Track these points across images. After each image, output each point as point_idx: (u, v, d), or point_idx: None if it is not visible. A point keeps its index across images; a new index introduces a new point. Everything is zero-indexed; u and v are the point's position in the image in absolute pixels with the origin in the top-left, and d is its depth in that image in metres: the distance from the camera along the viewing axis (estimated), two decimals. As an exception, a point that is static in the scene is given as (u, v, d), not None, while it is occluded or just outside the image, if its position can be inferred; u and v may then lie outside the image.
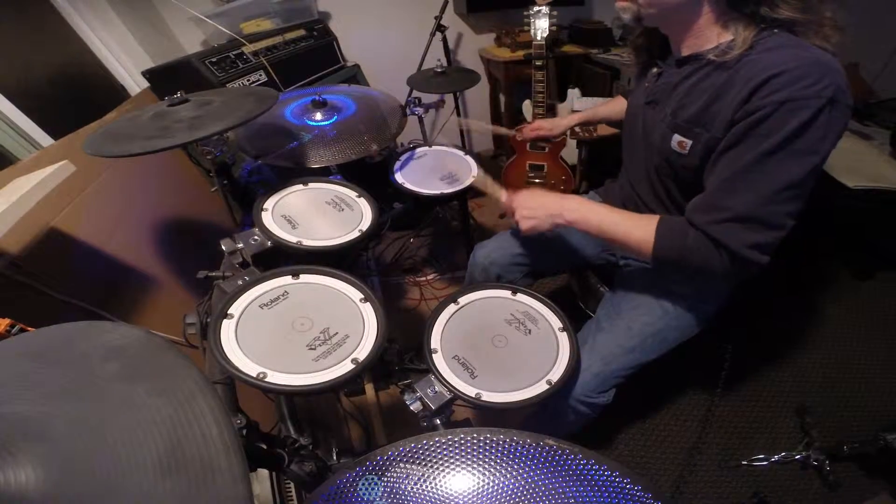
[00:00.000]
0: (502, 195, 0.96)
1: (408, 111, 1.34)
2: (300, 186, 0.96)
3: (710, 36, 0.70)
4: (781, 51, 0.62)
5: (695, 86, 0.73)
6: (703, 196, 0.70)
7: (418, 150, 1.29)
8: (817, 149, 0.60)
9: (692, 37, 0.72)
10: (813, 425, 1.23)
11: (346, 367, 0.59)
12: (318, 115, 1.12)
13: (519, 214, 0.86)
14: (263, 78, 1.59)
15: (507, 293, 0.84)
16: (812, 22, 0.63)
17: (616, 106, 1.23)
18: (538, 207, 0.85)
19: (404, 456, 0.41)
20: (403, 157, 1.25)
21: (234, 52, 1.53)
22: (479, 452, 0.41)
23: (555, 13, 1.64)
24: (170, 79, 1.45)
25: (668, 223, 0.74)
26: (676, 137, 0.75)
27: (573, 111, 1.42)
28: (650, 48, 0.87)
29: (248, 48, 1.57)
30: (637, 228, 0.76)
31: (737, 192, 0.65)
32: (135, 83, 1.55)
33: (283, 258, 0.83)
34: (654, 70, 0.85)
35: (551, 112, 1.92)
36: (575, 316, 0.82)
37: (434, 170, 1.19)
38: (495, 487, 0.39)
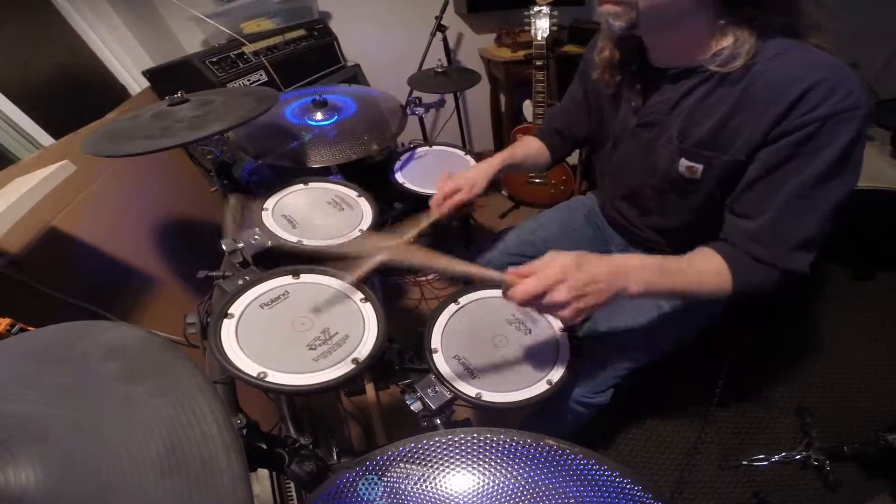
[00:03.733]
0: (506, 277, 0.60)
1: (408, 111, 1.34)
2: (300, 186, 0.96)
3: (705, 43, 0.65)
4: (791, 57, 0.59)
5: (700, 103, 0.68)
6: (757, 227, 0.64)
7: (418, 150, 1.29)
8: (861, 158, 0.59)
9: (685, 45, 0.67)
10: (813, 425, 1.23)
11: (346, 367, 0.59)
12: (319, 115, 1.12)
13: (570, 310, 0.57)
14: (264, 78, 1.59)
15: (507, 293, 0.84)
16: (811, 25, 0.61)
17: (532, 147, 1.05)
18: (597, 292, 0.58)
19: (404, 456, 0.41)
20: (403, 157, 1.25)
21: (234, 52, 1.53)
22: (479, 452, 0.41)
23: (555, 13, 1.64)
24: (170, 78, 1.45)
25: (736, 263, 0.66)
26: (684, 162, 0.71)
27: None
28: (626, 63, 0.78)
29: (249, 48, 1.57)
30: (708, 275, 0.67)
31: (796, 219, 0.62)
32: (135, 83, 1.55)
33: (283, 258, 0.83)
34: (638, 87, 0.78)
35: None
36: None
37: (434, 170, 1.19)
38: (495, 487, 0.39)
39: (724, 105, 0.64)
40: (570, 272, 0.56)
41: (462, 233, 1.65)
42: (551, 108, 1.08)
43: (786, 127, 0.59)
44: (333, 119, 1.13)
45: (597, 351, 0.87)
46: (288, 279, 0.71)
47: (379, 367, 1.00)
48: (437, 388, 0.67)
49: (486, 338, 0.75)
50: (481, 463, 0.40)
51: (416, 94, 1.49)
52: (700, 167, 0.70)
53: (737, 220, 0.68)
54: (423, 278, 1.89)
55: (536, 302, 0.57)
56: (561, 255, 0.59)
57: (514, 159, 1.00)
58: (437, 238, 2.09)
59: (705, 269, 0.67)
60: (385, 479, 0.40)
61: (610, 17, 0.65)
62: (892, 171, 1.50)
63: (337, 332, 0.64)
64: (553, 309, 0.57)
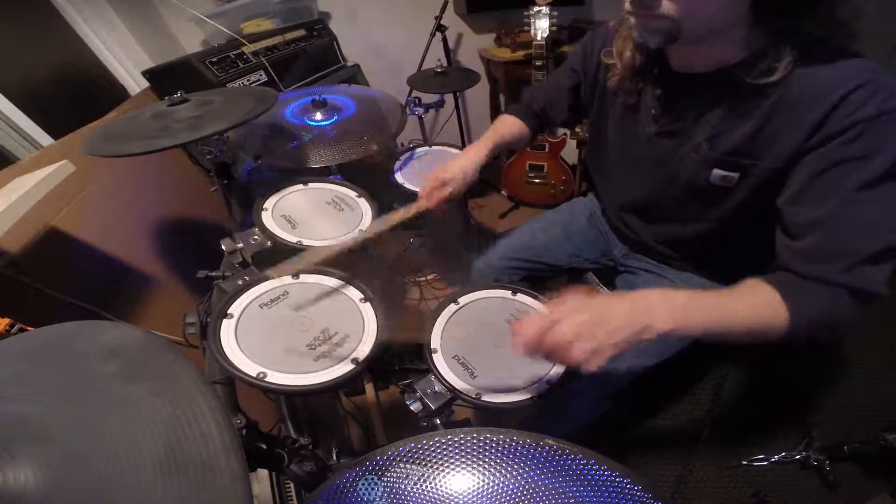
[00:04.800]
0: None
1: (408, 111, 1.34)
2: (300, 186, 0.96)
3: (736, 50, 0.61)
4: (831, 62, 0.57)
5: (731, 110, 0.64)
6: (813, 243, 0.58)
7: (418, 150, 1.29)
8: None
9: (716, 52, 0.63)
10: (813, 425, 1.23)
11: (346, 367, 0.59)
12: (318, 115, 1.12)
13: (578, 349, 0.51)
14: (263, 78, 1.59)
15: (507, 293, 0.84)
16: (849, 34, 0.59)
17: (515, 127, 1.03)
18: (613, 330, 0.52)
19: (404, 456, 0.41)
20: (403, 157, 1.25)
21: (234, 52, 1.53)
22: (479, 452, 0.41)
23: (555, 13, 1.64)
24: (170, 79, 1.45)
25: (789, 288, 0.57)
26: (718, 172, 0.68)
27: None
28: (647, 67, 0.73)
29: (248, 48, 1.57)
30: (755, 307, 0.58)
31: (855, 228, 0.56)
32: (135, 83, 1.55)
33: (282, 258, 0.83)
34: (658, 92, 0.73)
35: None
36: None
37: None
38: (495, 487, 0.39)
39: (759, 111, 0.61)
40: (569, 312, 0.52)
41: (462, 234, 1.65)
42: (532, 88, 1.07)
43: (830, 130, 0.55)
44: (333, 119, 1.13)
45: None
46: (287, 279, 0.71)
47: (379, 367, 1.00)
48: (436, 388, 0.67)
49: (486, 338, 0.75)
50: (481, 463, 0.40)
51: (415, 94, 1.49)
52: (736, 176, 0.66)
53: (789, 242, 0.61)
54: (423, 278, 1.89)
55: (541, 346, 0.52)
56: (572, 298, 0.54)
57: (502, 140, 1.00)
58: (437, 239, 2.10)
59: (751, 301, 0.58)
60: (385, 479, 0.40)
61: (647, 33, 0.60)
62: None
63: (336, 332, 0.64)
64: (559, 351, 0.51)
